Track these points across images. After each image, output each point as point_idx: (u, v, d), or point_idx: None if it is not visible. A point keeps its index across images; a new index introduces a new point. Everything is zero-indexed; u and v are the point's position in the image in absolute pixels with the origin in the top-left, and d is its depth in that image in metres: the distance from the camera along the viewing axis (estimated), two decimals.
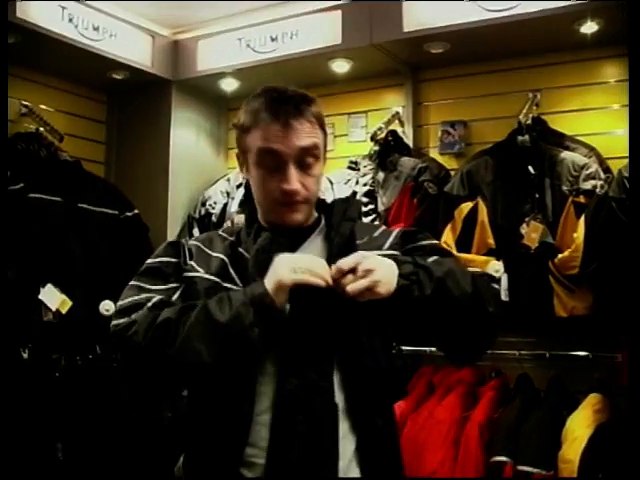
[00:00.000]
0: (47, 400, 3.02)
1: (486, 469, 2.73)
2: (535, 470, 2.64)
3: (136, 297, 1.58)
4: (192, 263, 1.66)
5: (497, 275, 2.97)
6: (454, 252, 3.02)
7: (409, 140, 3.55)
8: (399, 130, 3.54)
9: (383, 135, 3.49)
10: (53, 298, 3.15)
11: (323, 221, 1.73)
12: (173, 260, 1.68)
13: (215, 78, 3.82)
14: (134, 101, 3.98)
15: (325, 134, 1.69)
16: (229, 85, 3.87)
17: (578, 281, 2.86)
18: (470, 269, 1.67)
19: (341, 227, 1.65)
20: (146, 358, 1.50)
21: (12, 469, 2.83)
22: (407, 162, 3.33)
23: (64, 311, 3.16)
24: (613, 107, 3.23)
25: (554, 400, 2.87)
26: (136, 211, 3.60)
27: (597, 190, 2.86)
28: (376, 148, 3.46)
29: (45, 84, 3.74)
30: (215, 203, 3.76)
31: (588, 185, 2.90)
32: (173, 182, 3.82)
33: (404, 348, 3.23)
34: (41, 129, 3.47)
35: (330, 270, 1.49)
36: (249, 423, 1.52)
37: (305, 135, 1.60)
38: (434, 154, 3.54)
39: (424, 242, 1.73)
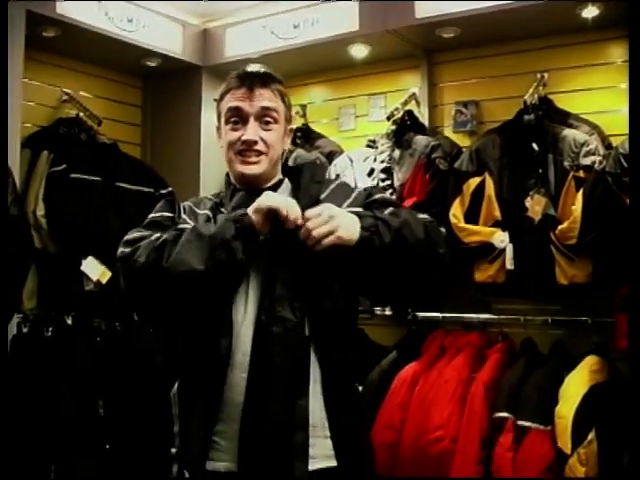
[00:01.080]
0: (89, 361, 3.30)
1: (489, 424, 2.96)
2: (533, 425, 2.84)
3: (142, 233, 1.88)
4: (185, 217, 1.95)
5: (502, 245, 3.16)
6: (462, 224, 3.23)
7: (425, 119, 3.72)
8: (415, 110, 3.71)
9: (400, 115, 3.65)
10: (94, 269, 3.38)
11: (287, 182, 2.00)
12: (170, 214, 1.97)
13: (242, 63, 3.90)
14: (167, 86, 4.19)
15: (286, 107, 1.99)
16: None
17: (577, 251, 3.00)
18: (420, 216, 1.90)
19: (310, 188, 1.94)
20: (146, 275, 1.78)
21: (59, 422, 3.12)
22: (421, 140, 3.49)
23: (104, 281, 3.38)
24: (620, 86, 3.33)
25: (555, 362, 3.05)
26: (170, 189, 3.79)
27: (595, 165, 3.01)
28: (393, 127, 3.63)
29: (85, 72, 3.95)
30: None
31: (587, 161, 3.04)
32: (204, 161, 4.02)
33: (419, 314, 3.48)
34: (81, 114, 3.69)
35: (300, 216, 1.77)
36: (231, 354, 1.80)
37: (265, 99, 1.91)
38: (448, 132, 3.71)
39: (377, 196, 2.00)
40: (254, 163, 1.93)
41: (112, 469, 3.21)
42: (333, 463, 1.85)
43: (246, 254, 1.76)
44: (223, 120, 1.96)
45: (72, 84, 3.83)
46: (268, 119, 1.93)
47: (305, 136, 4.01)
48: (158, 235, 1.84)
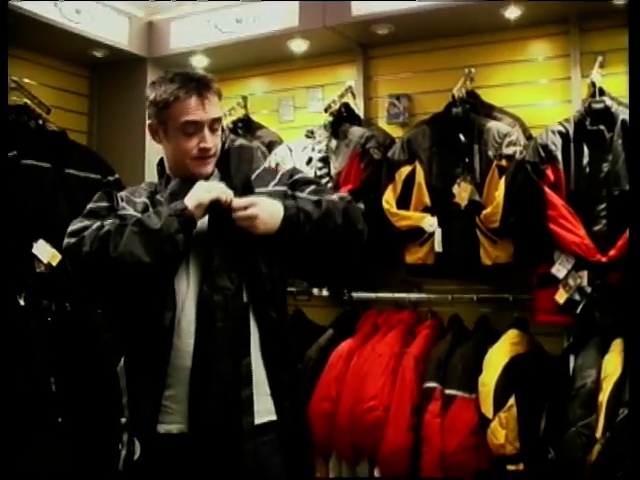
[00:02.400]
0: (41, 340, 3.42)
1: (419, 394, 3.19)
2: (459, 393, 3.10)
3: (83, 223, 2.05)
4: (123, 204, 2.14)
5: (431, 229, 3.39)
6: (394, 209, 3.44)
7: (360, 111, 3.92)
8: (351, 102, 3.90)
9: (337, 107, 3.84)
10: (44, 252, 3.47)
11: (216, 169, 2.20)
12: (107, 204, 2.15)
13: (186, 56, 4.14)
14: (114, 76, 4.28)
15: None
16: (200, 62, 4.17)
17: (500, 233, 3.24)
18: (338, 197, 2.16)
19: (240, 168, 2.18)
20: (92, 263, 1.96)
21: (12, 399, 3.24)
22: (356, 131, 3.69)
23: (55, 263, 3.46)
24: (540, 82, 3.60)
25: (479, 336, 3.31)
26: (117, 176, 3.89)
27: (516, 155, 3.24)
28: (330, 119, 3.80)
29: (33, 61, 4.02)
30: None
31: (509, 151, 3.26)
32: (149, 148, 4.08)
33: (354, 295, 3.71)
34: (29, 102, 3.76)
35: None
36: (175, 323, 2.01)
37: (215, 106, 2.11)
38: (382, 124, 3.92)
39: (298, 175, 2.26)
40: (208, 164, 2.13)
41: (65, 443, 3.34)
42: (274, 417, 2.06)
43: (186, 244, 1.98)
44: (174, 128, 2.09)
45: (21, 72, 3.91)
46: (216, 126, 2.13)
47: (246, 126, 4.17)
48: (99, 224, 2.01)
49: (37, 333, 3.41)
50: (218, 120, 2.14)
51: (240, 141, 3.91)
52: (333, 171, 3.71)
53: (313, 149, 3.80)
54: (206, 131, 2.09)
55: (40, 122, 3.77)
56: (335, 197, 2.17)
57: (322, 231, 2.05)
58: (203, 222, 2.05)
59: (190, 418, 2.00)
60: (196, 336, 2.01)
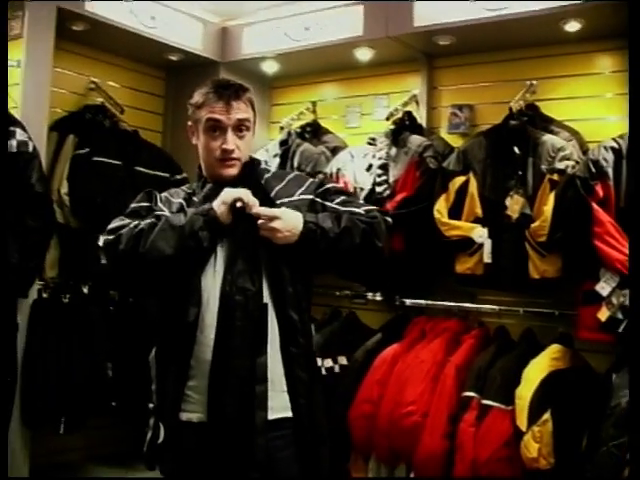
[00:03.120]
0: (101, 327, 3.63)
1: (457, 402, 3.22)
2: (495, 404, 3.10)
3: (123, 222, 2.20)
4: (160, 205, 2.28)
5: (481, 240, 3.40)
6: (445, 219, 3.48)
7: (423, 120, 3.96)
8: (414, 111, 3.95)
9: (399, 115, 3.91)
10: None
11: (248, 174, 2.30)
12: (147, 204, 2.29)
13: (258, 61, 4.28)
14: (188, 78, 4.37)
15: (255, 114, 2.30)
16: (270, 67, 4.33)
17: (548, 248, 3.22)
18: (363, 212, 2.25)
19: (265, 178, 2.31)
20: (127, 259, 2.13)
21: (72, 383, 3.46)
22: (415, 140, 3.73)
23: None
24: (605, 95, 3.55)
25: (523, 349, 3.29)
26: (185, 175, 4.06)
27: (568, 170, 3.22)
28: (392, 127, 3.87)
29: (112, 63, 4.25)
30: None
31: (562, 165, 3.24)
32: None
33: (406, 300, 3.76)
34: (105, 102, 3.99)
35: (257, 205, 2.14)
36: (199, 318, 2.13)
37: (240, 111, 2.22)
38: (444, 134, 3.94)
39: (329, 186, 2.37)
40: (231, 166, 2.24)
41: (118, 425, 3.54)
42: (289, 414, 2.16)
43: (212, 242, 2.11)
44: (202, 128, 2.23)
45: (100, 74, 4.14)
46: (242, 128, 2.24)
47: (314, 131, 4.28)
48: (136, 223, 2.16)
49: (99, 321, 3.62)
50: (245, 125, 2.25)
51: (304, 146, 4.05)
52: (391, 178, 3.76)
53: (374, 156, 3.86)
54: (229, 133, 2.21)
55: (114, 121, 3.99)
56: (362, 210, 2.26)
57: (337, 248, 2.15)
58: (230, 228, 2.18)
59: (209, 409, 2.12)
60: (217, 333, 2.12)
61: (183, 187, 2.43)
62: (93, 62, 4.13)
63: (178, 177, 4.06)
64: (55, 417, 3.41)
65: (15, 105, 3.39)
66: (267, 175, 2.34)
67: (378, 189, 3.76)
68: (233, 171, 2.25)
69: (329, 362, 3.64)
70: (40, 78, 3.48)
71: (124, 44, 4.07)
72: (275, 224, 2.10)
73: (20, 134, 3.23)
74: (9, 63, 3.37)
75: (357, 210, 2.25)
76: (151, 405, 2.30)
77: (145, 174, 3.96)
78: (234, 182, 2.23)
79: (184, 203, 2.28)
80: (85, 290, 3.67)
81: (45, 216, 3.33)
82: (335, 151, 4.11)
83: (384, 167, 3.81)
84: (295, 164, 4.05)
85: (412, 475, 3.28)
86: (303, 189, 2.32)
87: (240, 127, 2.23)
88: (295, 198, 2.27)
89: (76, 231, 3.68)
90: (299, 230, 2.12)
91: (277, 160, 4.13)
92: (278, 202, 2.23)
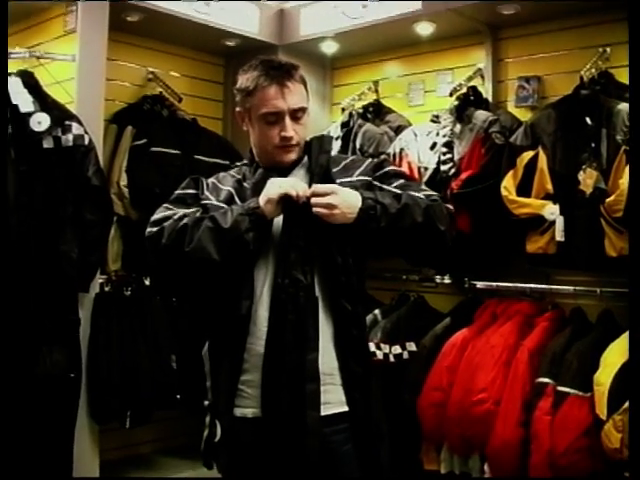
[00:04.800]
0: (164, 319, 3.60)
1: (531, 389, 3.07)
2: (572, 391, 2.93)
3: (166, 213, 2.13)
4: (207, 193, 2.20)
5: (552, 217, 3.22)
6: (512, 196, 3.31)
7: (489, 95, 3.80)
8: (480, 86, 3.79)
9: (464, 91, 3.75)
10: None
11: (305, 158, 2.20)
12: (193, 191, 2.22)
13: (316, 42, 4.18)
14: (247, 64, 4.41)
15: (307, 92, 2.19)
16: (329, 47, 4.22)
17: (626, 223, 3.03)
18: (423, 196, 2.11)
19: (319, 159, 2.14)
20: (169, 255, 2.05)
21: (136, 376, 3.45)
22: (480, 115, 3.57)
23: None
24: None
25: (600, 331, 3.11)
26: (245, 161, 4.02)
27: None
28: (455, 103, 3.72)
29: (169, 52, 4.20)
30: None
31: None
32: None
33: (476, 283, 3.61)
34: (163, 91, 3.97)
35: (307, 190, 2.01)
36: (252, 310, 2.05)
37: (296, 95, 2.12)
38: (511, 107, 3.76)
39: (388, 169, 2.24)
40: (290, 152, 2.16)
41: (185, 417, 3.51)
42: (345, 408, 2.06)
43: (258, 242, 2.01)
44: (256, 116, 2.14)
45: (157, 64, 4.11)
46: (299, 114, 2.15)
47: (376, 111, 4.17)
48: (180, 215, 2.08)
49: (161, 313, 3.59)
50: (301, 109, 2.15)
51: (366, 126, 3.94)
52: (456, 156, 3.61)
53: (437, 134, 3.72)
54: (287, 120, 2.12)
55: (172, 110, 3.95)
56: (421, 194, 2.13)
57: (399, 226, 2.02)
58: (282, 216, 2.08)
59: (263, 404, 2.05)
60: (269, 326, 2.05)
61: (231, 171, 2.34)
62: (151, 52, 4.11)
63: (238, 164, 3.95)
64: (121, 411, 3.40)
65: (71, 99, 3.37)
66: (316, 152, 2.21)
67: (443, 168, 3.61)
68: (292, 156, 2.17)
69: (397, 349, 3.52)
70: (95, 72, 3.45)
71: (180, 33, 4.02)
72: (331, 199, 1.99)
73: (76, 128, 3.21)
74: (63, 58, 3.38)
75: (416, 194, 2.12)
76: (206, 402, 2.25)
77: (204, 162, 3.89)
78: (291, 166, 2.17)
79: (233, 192, 2.20)
80: (147, 282, 3.64)
81: (103, 209, 3.32)
82: (398, 130, 3.97)
83: (449, 145, 3.66)
84: (357, 145, 3.92)
85: (485, 466, 3.15)
86: (361, 170, 2.22)
87: (297, 112, 2.14)
88: (354, 179, 2.17)
89: (136, 223, 3.65)
90: (357, 207, 2.00)
91: (339, 143, 4.01)
92: (338, 182, 2.13)
